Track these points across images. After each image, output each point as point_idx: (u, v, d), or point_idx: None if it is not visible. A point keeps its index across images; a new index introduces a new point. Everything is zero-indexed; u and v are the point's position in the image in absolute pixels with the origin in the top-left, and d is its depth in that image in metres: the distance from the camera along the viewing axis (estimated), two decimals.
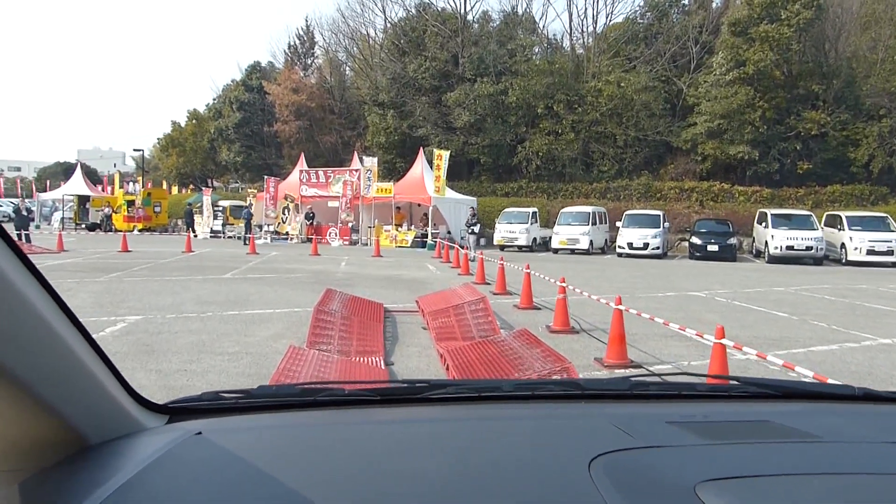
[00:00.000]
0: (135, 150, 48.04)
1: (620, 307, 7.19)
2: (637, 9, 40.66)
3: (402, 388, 1.60)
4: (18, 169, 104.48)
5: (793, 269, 21.60)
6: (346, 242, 30.09)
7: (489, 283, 14.63)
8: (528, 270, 11.41)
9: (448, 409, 1.51)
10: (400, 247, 28.89)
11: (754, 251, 27.76)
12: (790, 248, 24.27)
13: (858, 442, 1.29)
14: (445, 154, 29.97)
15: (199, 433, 1.24)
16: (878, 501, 1.00)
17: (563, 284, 9.27)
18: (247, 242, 24.71)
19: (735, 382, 1.64)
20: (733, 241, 25.85)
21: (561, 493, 1.01)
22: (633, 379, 1.66)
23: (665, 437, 1.25)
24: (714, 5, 40.32)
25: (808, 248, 24.13)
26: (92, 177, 56.11)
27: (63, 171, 52.14)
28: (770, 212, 26.32)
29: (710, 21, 37.83)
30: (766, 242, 25.13)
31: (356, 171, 31.53)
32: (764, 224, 26.01)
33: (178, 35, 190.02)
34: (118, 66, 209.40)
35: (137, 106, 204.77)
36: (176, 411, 1.41)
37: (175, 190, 51.81)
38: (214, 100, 53.92)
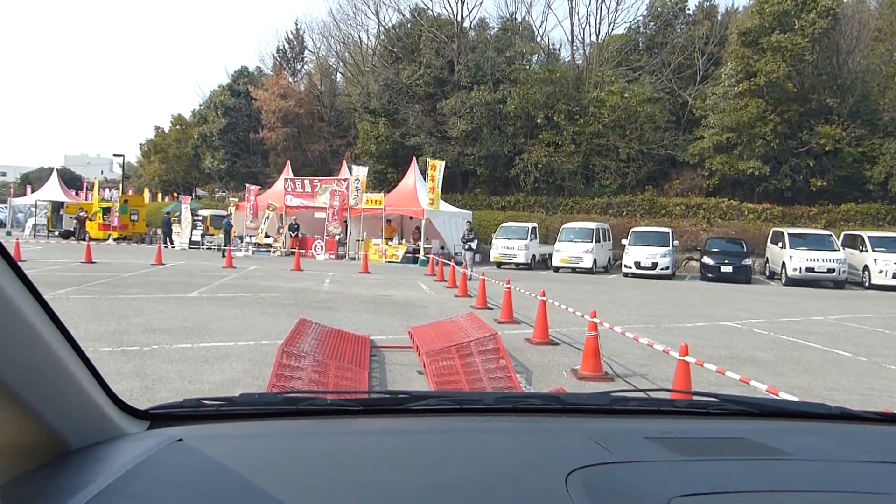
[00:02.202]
0: (114, 155, 45.88)
1: (688, 359, 5.30)
2: (640, 18, 39.20)
3: (384, 398, 1.61)
4: (4, 174, 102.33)
5: (817, 294, 19.87)
6: (333, 256, 28.12)
7: (492, 308, 12.79)
8: (544, 298, 9.53)
9: (429, 420, 1.51)
10: (390, 262, 26.97)
11: (768, 272, 26.05)
12: (810, 269, 22.57)
13: (830, 460, 1.31)
14: (440, 164, 28.13)
15: (181, 440, 1.24)
16: None
17: (595, 320, 7.40)
18: (225, 255, 22.75)
19: (714, 399, 1.64)
20: (748, 261, 24.14)
21: None
22: (613, 394, 1.65)
23: (642, 452, 1.26)
24: (720, 15, 38.94)
25: (830, 271, 22.44)
26: (75, 183, 53.99)
27: (47, 177, 50.08)
28: (787, 231, 24.64)
29: (717, 32, 36.35)
30: (784, 264, 23.42)
31: (344, 180, 29.61)
32: (780, 244, 24.31)
33: (167, 39, 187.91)
34: (107, 72, 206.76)
35: (126, 111, 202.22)
36: (157, 417, 1.41)
37: (159, 197, 49.72)
38: (200, 105, 51.93)
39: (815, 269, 22.54)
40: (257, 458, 1.21)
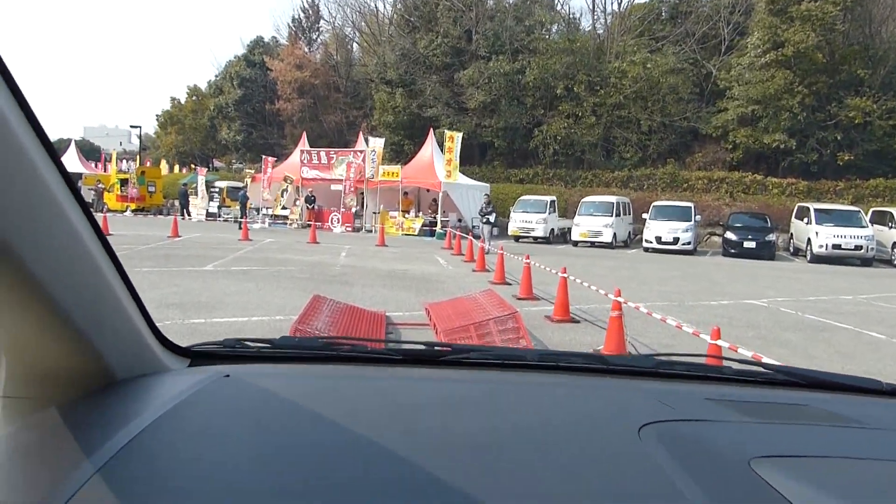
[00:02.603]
0: (132, 126, 45.68)
1: (721, 343, 4.99)
2: None
3: (424, 350, 1.58)
4: None
5: (845, 272, 19.36)
6: (349, 229, 27.92)
7: (510, 284, 12.50)
8: (565, 274, 9.22)
9: (471, 372, 1.49)
10: (407, 235, 26.71)
11: (792, 248, 25.48)
12: (836, 246, 21.99)
13: None
14: (457, 136, 27.67)
15: (228, 375, 1.26)
16: None
17: (620, 299, 7.09)
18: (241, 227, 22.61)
19: (761, 369, 1.60)
20: (772, 237, 23.56)
21: (613, 456, 1.00)
22: (656, 357, 1.61)
23: (707, 412, 1.24)
24: None
25: (857, 248, 21.85)
26: (95, 154, 54.05)
27: (65, 148, 50.23)
28: (813, 206, 23.99)
29: (743, 0, 35.24)
30: (809, 240, 22.84)
31: (360, 152, 29.27)
32: (806, 220, 23.70)
33: (183, 8, 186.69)
34: (124, 42, 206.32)
35: (144, 82, 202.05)
36: (197, 355, 1.43)
37: (176, 169, 49.65)
38: (216, 76, 51.60)
39: (842, 246, 21.97)
40: (303, 396, 1.22)
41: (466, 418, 1.14)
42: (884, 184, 29.46)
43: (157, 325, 1.30)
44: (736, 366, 1.65)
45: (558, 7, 40.09)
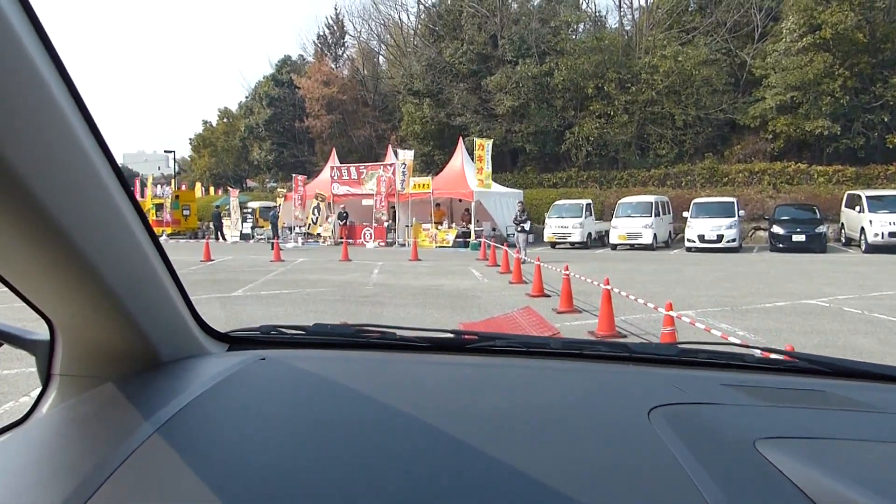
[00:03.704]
0: (166, 151, 46.24)
1: None
2: None
3: (451, 338, 1.63)
4: None
5: None
6: (382, 244, 27.56)
7: (549, 296, 11.89)
8: (608, 286, 8.60)
9: (496, 359, 1.53)
10: (441, 247, 26.22)
11: (844, 239, 24.34)
12: (893, 234, 20.87)
13: None
14: (487, 143, 27.15)
15: (264, 359, 1.33)
16: None
17: (672, 313, 6.47)
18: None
19: (787, 357, 1.60)
20: (823, 228, 22.52)
21: (622, 437, 1.03)
22: (681, 346, 1.66)
23: (720, 396, 1.26)
24: None
25: None
26: (133, 181, 54.89)
27: None
28: (864, 194, 22.86)
29: None
30: (863, 229, 21.76)
31: (390, 165, 28.93)
32: (858, 208, 22.60)
33: (212, 32, 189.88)
34: (159, 69, 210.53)
35: (179, 106, 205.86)
36: (236, 340, 1.50)
37: (211, 191, 50.03)
38: (246, 97, 51.96)
39: None
40: (334, 378, 1.27)
41: (486, 400, 1.18)
42: None
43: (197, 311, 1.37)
44: (759, 353, 1.66)
45: (584, 6, 39.27)
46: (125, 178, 1.04)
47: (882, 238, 21.00)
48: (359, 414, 1.08)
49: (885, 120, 28.77)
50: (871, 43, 29.05)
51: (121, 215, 1.03)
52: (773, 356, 1.62)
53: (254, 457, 0.93)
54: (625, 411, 1.14)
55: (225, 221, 33.79)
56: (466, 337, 1.63)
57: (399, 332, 1.60)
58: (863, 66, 28.81)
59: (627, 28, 37.92)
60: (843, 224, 24.55)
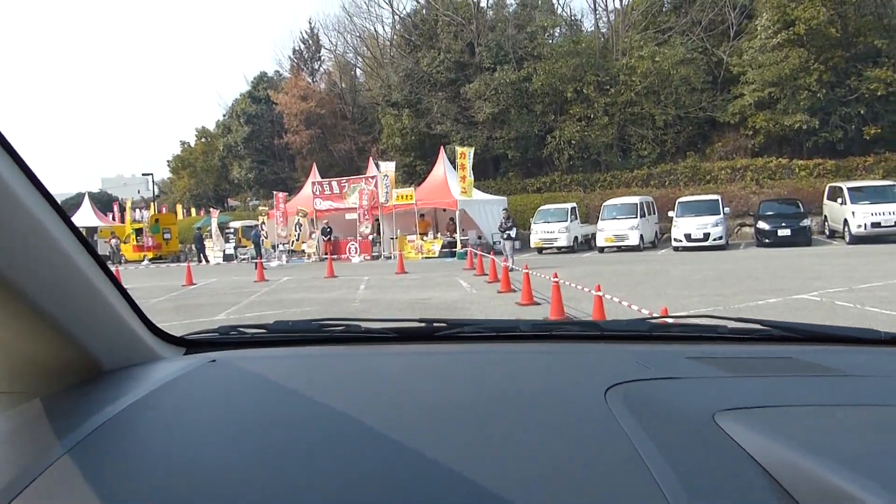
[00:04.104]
0: (143, 174, 45.71)
1: None
2: None
3: (419, 327, 1.58)
4: None
5: (891, 251, 18.26)
6: (368, 258, 27.30)
7: (539, 304, 11.69)
8: (600, 293, 8.41)
9: (464, 346, 1.52)
10: (427, 258, 26.02)
11: (828, 231, 24.42)
12: (876, 224, 20.95)
13: (884, 376, 1.26)
14: (469, 151, 27.02)
15: (213, 361, 1.29)
16: None
17: (668, 319, 6.28)
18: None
19: (760, 326, 1.59)
20: (807, 222, 22.56)
21: (576, 418, 1.02)
22: (652, 321, 1.63)
23: (683, 370, 1.25)
24: None
25: None
26: (113, 205, 54.27)
27: (79, 203, 50.43)
28: (846, 185, 22.97)
29: None
30: (846, 221, 21.81)
31: (372, 178, 28.73)
32: (840, 200, 22.67)
33: (187, 50, 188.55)
34: (133, 91, 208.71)
35: (156, 129, 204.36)
36: (193, 343, 1.44)
37: (192, 212, 49.58)
38: (224, 116, 51.56)
39: (882, 224, 20.92)
40: (290, 377, 1.22)
41: (450, 389, 1.15)
42: None
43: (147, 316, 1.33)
44: (732, 324, 1.63)
45: (559, 10, 39.34)
46: (45, 187, 1.01)
47: (865, 229, 21.07)
48: (313, 411, 1.04)
49: (862, 112, 28.97)
50: (844, 37, 29.31)
51: (40, 227, 0.99)
52: (745, 325, 1.61)
53: (185, 465, 0.89)
54: (582, 391, 1.13)
55: (207, 243, 33.39)
56: (435, 325, 1.57)
57: (364, 325, 1.57)
58: (837, 61, 29.02)
59: (603, 30, 38.04)
60: (825, 216, 24.63)
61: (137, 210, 38.68)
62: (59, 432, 0.96)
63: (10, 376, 1.19)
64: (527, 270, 12.59)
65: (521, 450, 0.93)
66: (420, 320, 1.61)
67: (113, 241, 35.68)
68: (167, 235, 36.27)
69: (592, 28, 38.78)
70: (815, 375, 1.23)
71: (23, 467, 0.87)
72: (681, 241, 23.08)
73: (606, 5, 38.42)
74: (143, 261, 34.22)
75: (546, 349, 1.49)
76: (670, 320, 1.66)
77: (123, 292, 1.23)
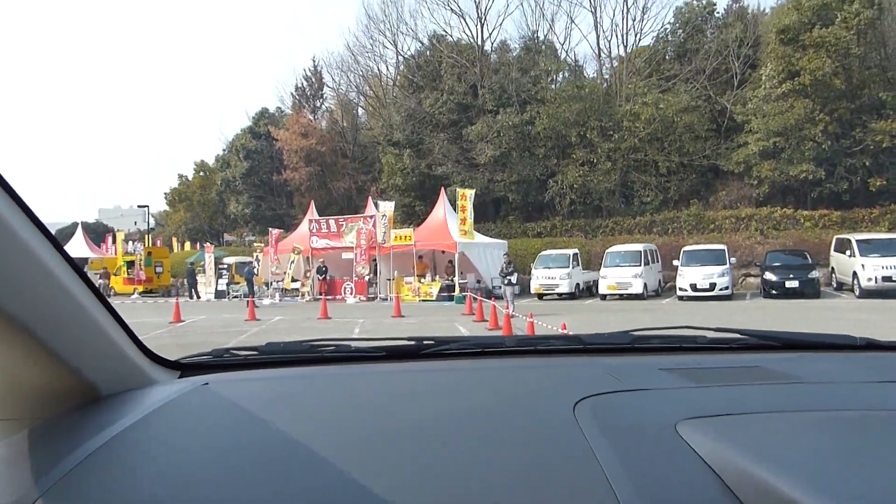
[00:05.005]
0: (139, 206, 45.24)
1: None
2: (667, 26, 37.40)
3: (408, 345, 1.61)
4: None
5: None
6: (363, 299, 26.57)
7: None
8: None
9: (451, 363, 1.54)
10: (424, 300, 25.31)
11: (835, 283, 23.81)
12: (887, 279, 20.34)
13: (846, 382, 1.29)
14: (470, 193, 26.54)
15: (206, 384, 1.30)
16: (861, 436, 0.99)
17: None
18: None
19: (738, 335, 1.63)
20: (815, 274, 22.02)
21: (544, 432, 1.05)
22: (634, 333, 1.66)
23: (653, 381, 1.27)
24: (749, 15, 37.02)
25: None
26: (101, 238, 53.69)
27: (72, 233, 49.92)
28: (854, 238, 22.45)
29: (750, 33, 34.44)
30: (855, 274, 21.24)
31: (371, 217, 28.18)
32: (848, 252, 22.14)
33: (190, 84, 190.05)
34: (134, 123, 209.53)
35: (156, 161, 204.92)
36: (187, 367, 1.47)
37: (187, 246, 48.96)
38: (223, 150, 51.24)
39: (893, 278, 20.32)
40: (281, 398, 1.24)
41: (435, 407, 1.18)
42: None
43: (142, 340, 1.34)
44: (712, 335, 1.64)
45: (562, 56, 39.38)
46: (36, 216, 1.02)
47: (875, 283, 20.48)
48: (302, 432, 1.05)
49: (867, 164, 28.67)
50: (849, 89, 29.19)
51: (34, 256, 1.00)
52: (724, 335, 1.63)
53: (180, 488, 0.89)
54: (552, 405, 1.14)
55: (199, 278, 32.67)
56: (424, 343, 1.58)
57: (354, 344, 1.59)
58: (842, 112, 28.83)
59: (607, 76, 37.98)
60: (833, 268, 24.07)
61: (130, 242, 38.01)
62: (56, 458, 0.97)
63: (8, 403, 1.20)
64: (531, 319, 11.96)
65: (492, 466, 0.94)
66: (409, 339, 1.62)
67: (100, 280, 34.70)
68: (159, 269, 35.53)
69: (596, 74, 38.73)
70: (777, 383, 1.26)
71: (21, 493, 0.88)
72: (686, 290, 22.49)
73: (610, 52, 38.47)
74: (132, 294, 33.45)
75: (528, 364, 1.51)
76: (652, 332, 1.67)
77: (118, 318, 1.25)
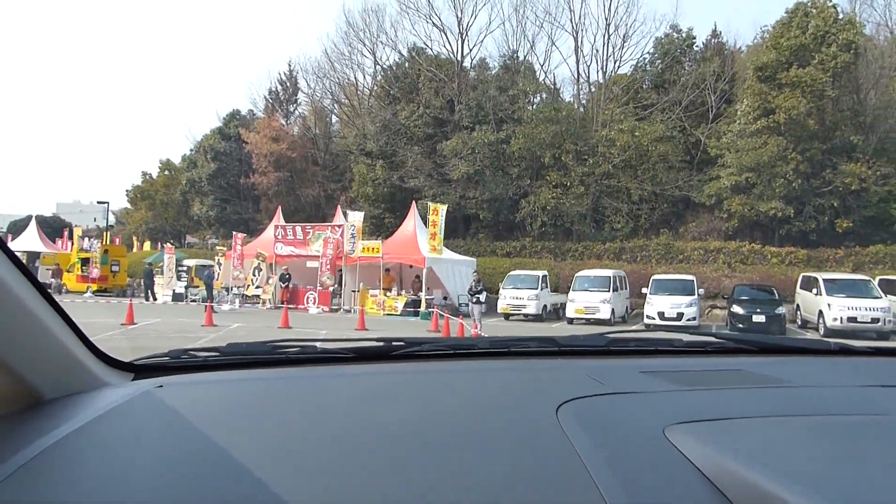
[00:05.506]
0: (98, 202, 43.82)
1: None
2: (647, 55, 37.71)
3: (376, 346, 1.55)
4: None
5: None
6: (326, 310, 25.86)
7: None
8: None
9: (422, 364, 1.50)
10: (389, 314, 24.73)
11: (800, 321, 23.86)
12: (852, 319, 20.37)
13: (831, 386, 1.29)
14: (442, 208, 26.14)
15: (160, 386, 1.24)
16: (847, 440, 1.00)
17: None
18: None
19: (713, 339, 1.63)
20: (782, 310, 21.98)
21: (528, 436, 1.03)
22: (609, 335, 1.64)
23: (636, 384, 1.25)
24: (727, 51, 37.51)
25: (875, 321, 20.23)
26: (57, 233, 52.01)
27: (25, 225, 48.19)
28: (821, 276, 22.54)
29: (728, 69, 34.86)
30: (821, 312, 21.26)
31: (339, 227, 27.55)
32: (815, 290, 22.19)
33: (159, 81, 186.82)
34: (98, 117, 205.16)
35: (120, 156, 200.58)
36: (142, 369, 1.39)
37: (147, 246, 47.60)
38: (191, 150, 50.09)
39: (858, 319, 20.35)
40: (241, 403, 1.18)
41: (408, 411, 1.13)
42: (883, 250, 28.33)
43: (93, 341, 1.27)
44: (688, 338, 1.63)
45: (541, 77, 39.40)
46: None
47: (840, 322, 20.48)
48: (264, 438, 1.01)
49: (835, 205, 29.05)
50: (822, 130, 29.56)
51: None
52: (700, 338, 1.63)
53: (121, 500, 0.85)
54: (535, 408, 1.11)
55: (157, 280, 31.56)
56: (394, 344, 1.53)
57: (321, 345, 1.53)
58: (814, 152, 29.17)
59: (584, 101, 38.07)
60: (798, 305, 24.14)
61: (87, 239, 36.68)
62: None
63: None
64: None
65: (473, 469, 0.92)
66: (378, 339, 1.56)
67: (51, 277, 33.36)
68: (115, 268, 34.23)
69: (573, 98, 38.81)
70: (763, 386, 1.25)
71: None
72: (654, 318, 22.30)
73: (589, 77, 38.59)
74: (85, 292, 32.18)
75: (503, 366, 1.48)
76: (628, 335, 1.63)
77: (65, 316, 1.18)
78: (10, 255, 1.04)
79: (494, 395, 1.23)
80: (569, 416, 1.05)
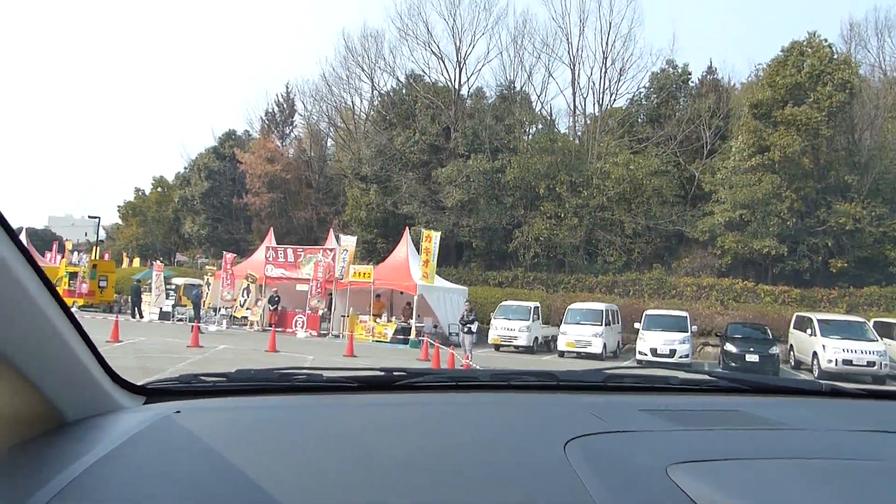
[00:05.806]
0: (89, 216, 43.41)
1: None
2: (643, 90, 37.91)
3: (380, 376, 1.57)
4: None
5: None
6: (315, 334, 25.47)
7: None
8: None
9: (425, 395, 1.51)
10: (378, 341, 24.37)
11: (793, 362, 23.63)
12: (847, 362, 20.15)
13: (825, 430, 1.32)
14: (436, 235, 25.94)
15: (178, 412, 1.25)
16: (843, 485, 1.02)
17: None
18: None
19: (708, 377, 1.66)
20: (775, 350, 21.75)
21: (537, 473, 1.03)
22: (607, 371, 1.65)
23: (638, 422, 1.27)
24: (723, 85, 37.78)
25: (870, 364, 20.02)
26: (47, 246, 51.42)
27: (27, 236, 47.66)
28: (816, 317, 22.34)
29: (723, 105, 35.05)
30: (815, 354, 21.04)
31: (331, 250, 27.29)
32: (809, 331, 21.99)
33: (156, 98, 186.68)
34: (92, 131, 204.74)
35: (114, 171, 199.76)
36: (153, 392, 1.41)
37: (137, 262, 47.09)
38: (185, 168, 49.81)
39: (854, 362, 20.14)
40: (254, 429, 1.20)
41: (409, 441, 1.15)
42: (878, 292, 28.23)
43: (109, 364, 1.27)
44: (683, 375, 1.67)
45: (537, 108, 39.52)
46: (13, 231, 0.97)
47: (836, 365, 20.25)
48: (278, 465, 1.03)
49: (829, 244, 29.02)
50: (816, 169, 29.68)
51: (13, 279, 0.95)
52: (695, 376, 1.68)
53: None
54: (542, 445, 1.12)
55: (145, 297, 31.13)
56: (395, 374, 1.56)
57: (326, 374, 1.55)
58: (808, 191, 29.25)
59: (580, 133, 38.18)
60: (791, 346, 23.91)
61: (76, 253, 36.24)
62: (24, 492, 0.91)
63: None
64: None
65: (484, 503, 0.93)
66: (380, 369, 1.58)
67: None
68: (103, 283, 33.81)
69: (569, 129, 38.91)
70: (760, 428, 1.28)
71: None
72: (646, 354, 22.02)
73: (584, 109, 38.72)
74: (72, 307, 31.62)
75: (505, 400, 1.49)
76: (624, 371, 1.66)
77: (85, 337, 1.18)
78: (41, 274, 1.02)
79: (500, 428, 1.24)
80: (577, 453, 1.06)
